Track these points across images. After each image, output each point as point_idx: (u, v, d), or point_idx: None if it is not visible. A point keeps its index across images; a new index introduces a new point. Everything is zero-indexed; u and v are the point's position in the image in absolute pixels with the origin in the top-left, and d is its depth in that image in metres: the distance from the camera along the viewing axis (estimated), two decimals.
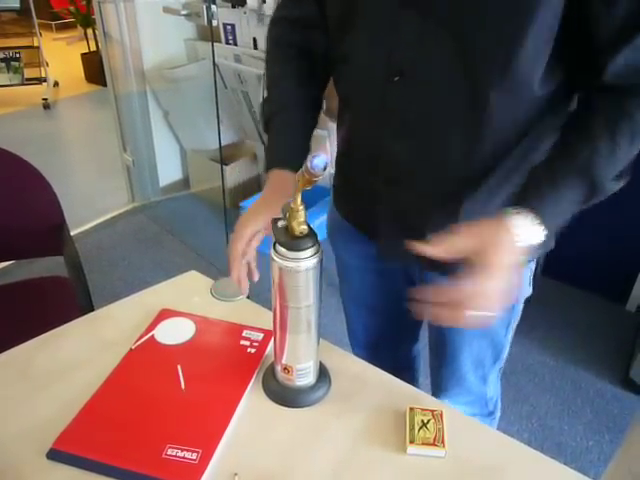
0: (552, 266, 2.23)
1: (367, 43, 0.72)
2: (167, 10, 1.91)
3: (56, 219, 1.44)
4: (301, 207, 0.61)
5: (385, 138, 0.76)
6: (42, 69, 4.65)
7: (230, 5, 2.43)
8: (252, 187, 2.81)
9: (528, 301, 0.94)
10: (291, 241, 0.62)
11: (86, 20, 5.13)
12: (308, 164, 0.55)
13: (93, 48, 5.16)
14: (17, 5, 4.28)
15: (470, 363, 0.99)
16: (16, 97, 4.60)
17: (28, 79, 4.61)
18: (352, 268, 1.03)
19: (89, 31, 5.18)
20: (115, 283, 2.33)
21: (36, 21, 4.47)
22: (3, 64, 4.49)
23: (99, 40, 2.88)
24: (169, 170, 2.98)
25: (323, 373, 0.77)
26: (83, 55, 5.23)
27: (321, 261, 0.64)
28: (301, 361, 0.71)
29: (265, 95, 0.86)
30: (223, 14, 2.48)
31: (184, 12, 1.80)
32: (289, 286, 0.64)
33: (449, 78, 0.67)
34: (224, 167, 2.62)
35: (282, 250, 0.62)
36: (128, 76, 2.69)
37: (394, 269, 0.98)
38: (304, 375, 0.73)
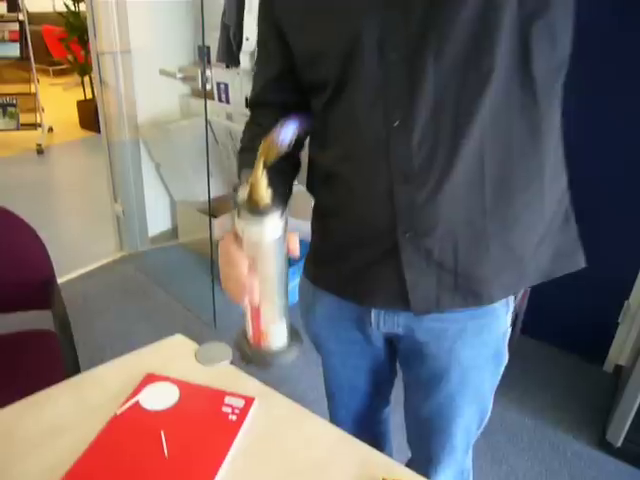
0: (530, 324, 2.28)
1: (363, 99, 0.76)
2: (163, 72, 2.00)
3: (45, 274, 1.47)
4: (262, 178, 0.59)
5: (396, 185, 0.78)
6: (38, 114, 4.75)
7: (224, 65, 2.55)
8: None
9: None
10: (255, 208, 0.60)
11: (83, 69, 5.27)
12: (274, 135, 0.53)
13: (89, 96, 5.29)
14: (17, 54, 4.41)
15: (460, 432, 1.01)
16: (10, 142, 4.67)
17: (23, 124, 4.71)
18: (336, 354, 1.06)
19: (86, 78, 5.32)
20: (100, 333, 2.33)
21: (34, 68, 4.59)
22: (0, 109, 4.59)
23: (95, 90, 2.96)
24: (158, 220, 3.03)
25: (295, 333, 0.76)
26: (79, 102, 5.35)
27: (286, 225, 0.63)
28: (276, 322, 0.71)
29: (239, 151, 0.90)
30: (217, 74, 2.59)
31: (180, 75, 1.89)
32: (256, 251, 0.63)
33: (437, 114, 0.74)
34: (212, 219, 2.67)
35: (240, 220, 0.61)
36: (122, 127, 2.77)
37: (377, 346, 1.01)
38: (278, 336, 0.73)
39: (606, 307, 2.22)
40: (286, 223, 0.63)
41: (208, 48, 2.65)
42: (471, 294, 0.85)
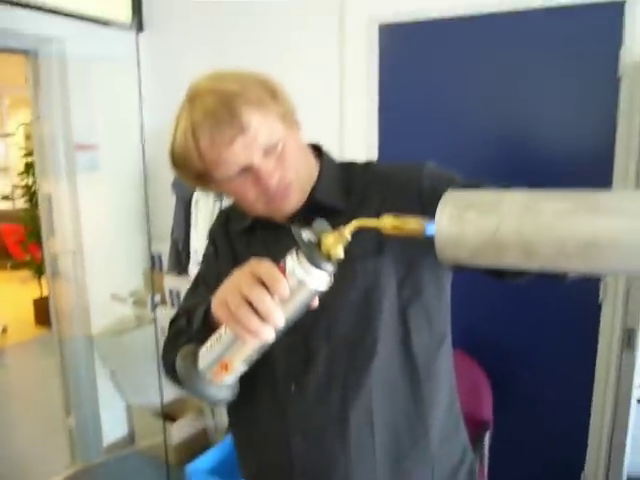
0: None
1: (264, 369, 0.85)
2: (115, 297, 2.13)
3: None
4: (349, 237, 0.62)
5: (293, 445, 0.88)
6: None
7: (176, 272, 2.72)
8: (199, 443, 2.79)
9: None
10: (319, 257, 0.62)
11: (40, 269, 5.39)
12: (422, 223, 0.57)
13: (46, 293, 5.35)
14: None
15: None
16: None
17: None
18: None
19: (44, 276, 5.41)
20: None
21: None
22: None
23: (50, 295, 2.98)
24: (114, 427, 2.96)
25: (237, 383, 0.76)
26: (35, 300, 5.40)
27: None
28: (246, 363, 0.70)
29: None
30: (169, 280, 2.74)
31: (130, 300, 2.02)
32: (295, 291, 0.63)
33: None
34: (170, 424, 2.65)
35: (303, 259, 0.62)
36: (75, 333, 2.80)
37: None
38: (233, 376, 0.71)
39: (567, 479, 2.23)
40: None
41: (160, 257, 2.84)
42: None
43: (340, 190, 0.91)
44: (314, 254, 0.62)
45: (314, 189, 0.90)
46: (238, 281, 0.64)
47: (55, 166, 2.64)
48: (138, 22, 2.76)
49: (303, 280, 0.62)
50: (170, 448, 2.65)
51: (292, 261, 0.62)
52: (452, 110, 2.18)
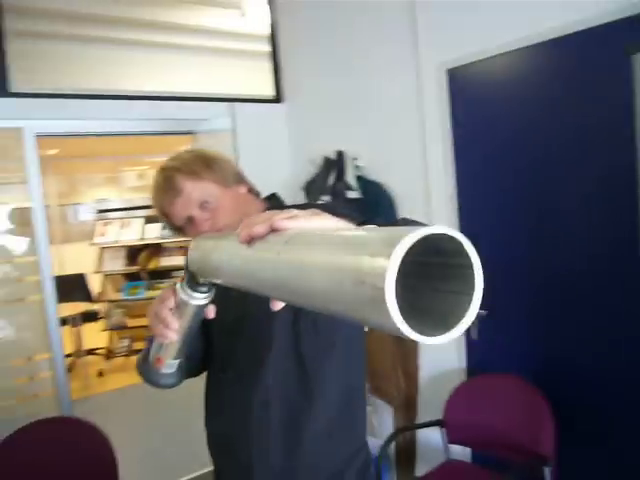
0: None
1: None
2: None
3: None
4: None
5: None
6: None
7: None
8: None
9: None
10: (194, 281, 0.81)
11: None
12: None
13: None
14: None
15: None
16: None
17: None
18: None
19: None
20: None
21: None
22: None
23: None
24: None
25: (179, 371, 1.00)
26: None
27: (210, 300, 0.84)
28: (173, 358, 0.94)
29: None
30: None
31: None
32: (183, 306, 0.84)
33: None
34: None
35: (184, 283, 0.82)
36: None
37: None
38: (168, 367, 0.96)
39: None
40: (211, 299, 0.84)
41: None
42: None
43: None
44: (191, 279, 0.82)
45: None
46: (156, 299, 0.90)
47: None
48: (277, 95, 3.32)
49: (184, 299, 0.83)
50: None
51: (179, 284, 0.84)
52: (525, 145, 2.10)
